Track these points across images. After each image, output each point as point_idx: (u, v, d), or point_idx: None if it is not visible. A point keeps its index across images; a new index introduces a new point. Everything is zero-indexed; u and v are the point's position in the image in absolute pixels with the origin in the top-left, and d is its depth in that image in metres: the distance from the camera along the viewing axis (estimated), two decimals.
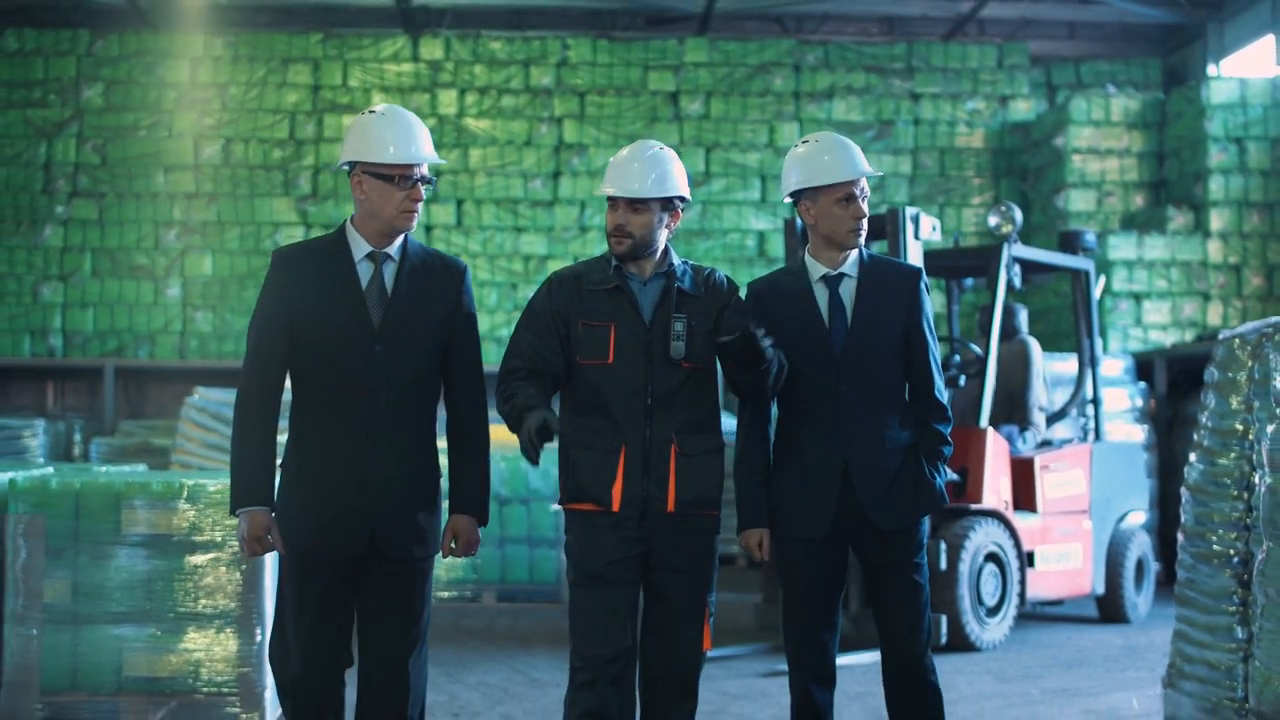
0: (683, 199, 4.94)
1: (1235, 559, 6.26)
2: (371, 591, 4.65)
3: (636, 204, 4.84)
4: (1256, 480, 5.74)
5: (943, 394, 5.12)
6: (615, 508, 4.79)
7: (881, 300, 5.05)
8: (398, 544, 4.60)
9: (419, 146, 4.62)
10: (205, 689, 6.84)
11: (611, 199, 4.87)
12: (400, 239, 4.71)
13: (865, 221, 5.01)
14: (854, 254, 5.08)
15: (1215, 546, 6.53)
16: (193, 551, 6.83)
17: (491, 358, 9.20)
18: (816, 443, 5.00)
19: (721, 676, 8.22)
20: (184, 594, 6.87)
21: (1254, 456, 5.83)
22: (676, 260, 4.97)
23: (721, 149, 17.47)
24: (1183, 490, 7.01)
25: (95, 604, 6.87)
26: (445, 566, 11.38)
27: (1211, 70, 17.49)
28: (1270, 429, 5.18)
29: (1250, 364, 6.08)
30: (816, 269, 5.08)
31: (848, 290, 5.06)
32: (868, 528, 4.99)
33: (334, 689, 4.68)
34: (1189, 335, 15.11)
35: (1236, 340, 6.53)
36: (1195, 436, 6.86)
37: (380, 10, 18.08)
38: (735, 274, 16.82)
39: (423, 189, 4.64)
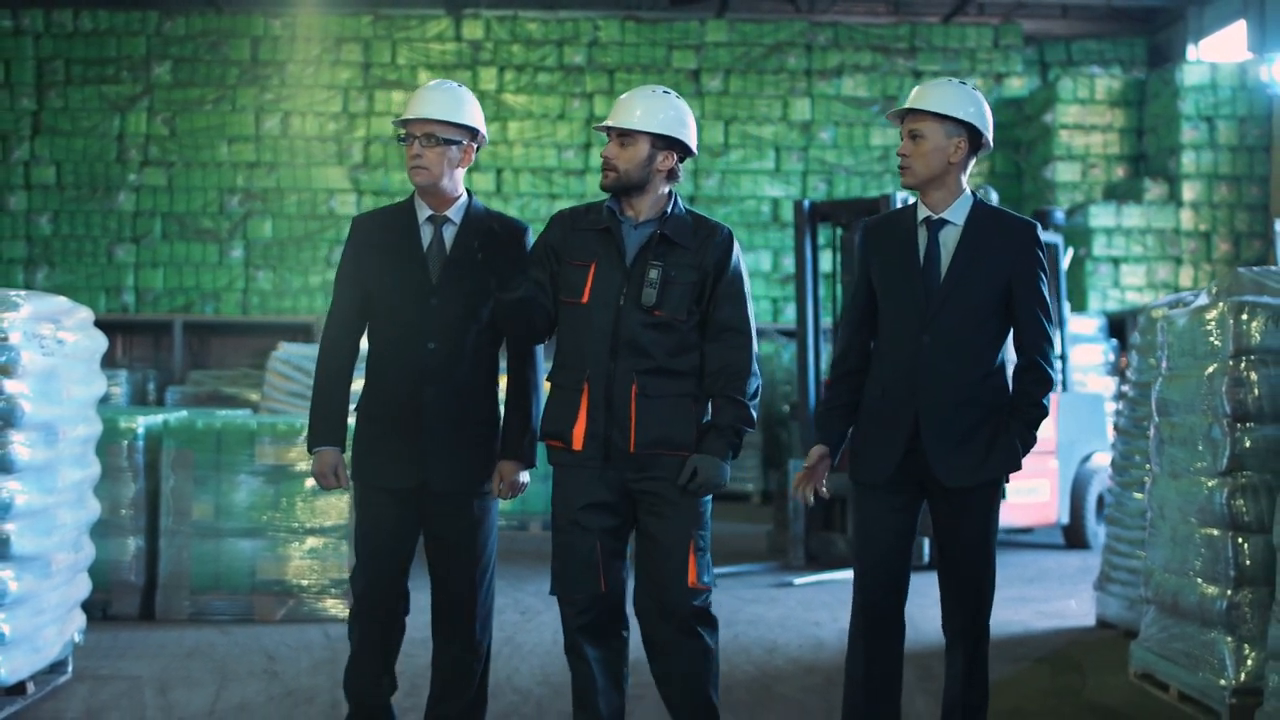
0: (682, 145, 4.78)
1: (1149, 485, 7.71)
2: (433, 524, 4.93)
3: (624, 137, 4.72)
4: None
5: (1048, 358, 4.75)
6: (577, 446, 4.74)
7: (984, 252, 4.74)
8: (444, 481, 4.83)
9: (421, 106, 4.84)
10: (317, 590, 8.24)
11: (607, 131, 4.80)
12: (463, 203, 4.95)
13: (908, 159, 4.75)
14: (963, 200, 4.79)
15: (1135, 475, 8.04)
16: (308, 479, 8.17)
17: None
18: (893, 388, 4.78)
19: (737, 587, 9.75)
20: (302, 514, 8.34)
21: None
22: (681, 209, 4.84)
23: (739, 122, 18.70)
24: (1113, 432, 8.53)
25: (233, 521, 8.27)
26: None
27: (1191, 51, 18.75)
28: (1158, 383, 6.63)
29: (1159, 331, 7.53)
30: (922, 211, 4.83)
31: (949, 237, 4.77)
32: (936, 482, 4.76)
33: (394, 607, 4.98)
34: (1163, 296, 16.28)
35: (1152, 311, 8.03)
36: (1123, 389, 8.36)
37: None
38: (750, 238, 18.23)
39: (418, 144, 4.82)
